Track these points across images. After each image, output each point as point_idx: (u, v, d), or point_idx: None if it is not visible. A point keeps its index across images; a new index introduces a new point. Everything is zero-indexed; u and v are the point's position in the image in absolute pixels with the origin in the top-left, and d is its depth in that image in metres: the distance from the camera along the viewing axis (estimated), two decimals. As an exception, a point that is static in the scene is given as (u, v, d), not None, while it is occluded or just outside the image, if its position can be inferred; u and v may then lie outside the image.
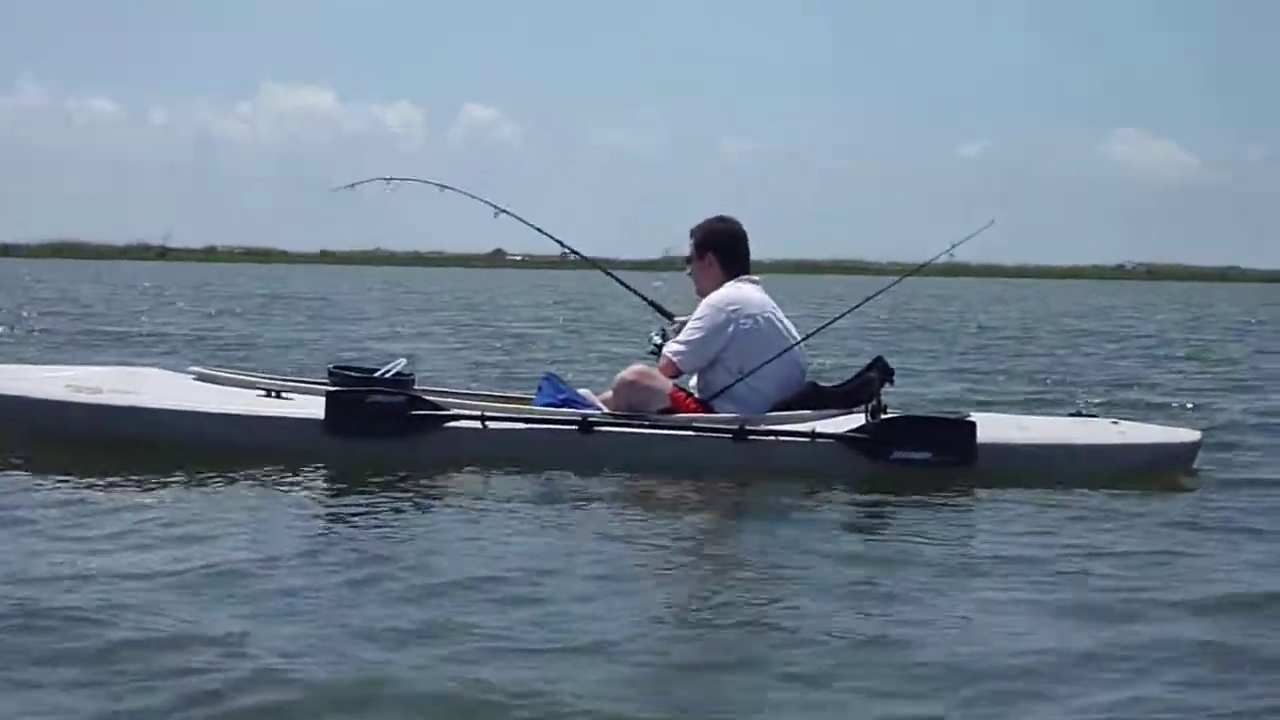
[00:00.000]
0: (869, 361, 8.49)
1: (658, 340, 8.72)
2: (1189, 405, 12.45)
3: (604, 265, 10.41)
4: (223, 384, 8.97)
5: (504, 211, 9.41)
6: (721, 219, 8.66)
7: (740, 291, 8.46)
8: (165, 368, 10.28)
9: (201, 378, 9.12)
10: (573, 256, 9.62)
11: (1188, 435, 8.81)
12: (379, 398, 8.29)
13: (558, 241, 9.51)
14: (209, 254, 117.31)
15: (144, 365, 10.68)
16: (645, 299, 9.19)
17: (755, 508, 7.56)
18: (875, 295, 9.76)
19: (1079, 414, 9.69)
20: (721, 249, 8.55)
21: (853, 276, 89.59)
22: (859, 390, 8.32)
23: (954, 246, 8.83)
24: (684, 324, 8.61)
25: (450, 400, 8.50)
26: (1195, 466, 8.54)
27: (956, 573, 6.03)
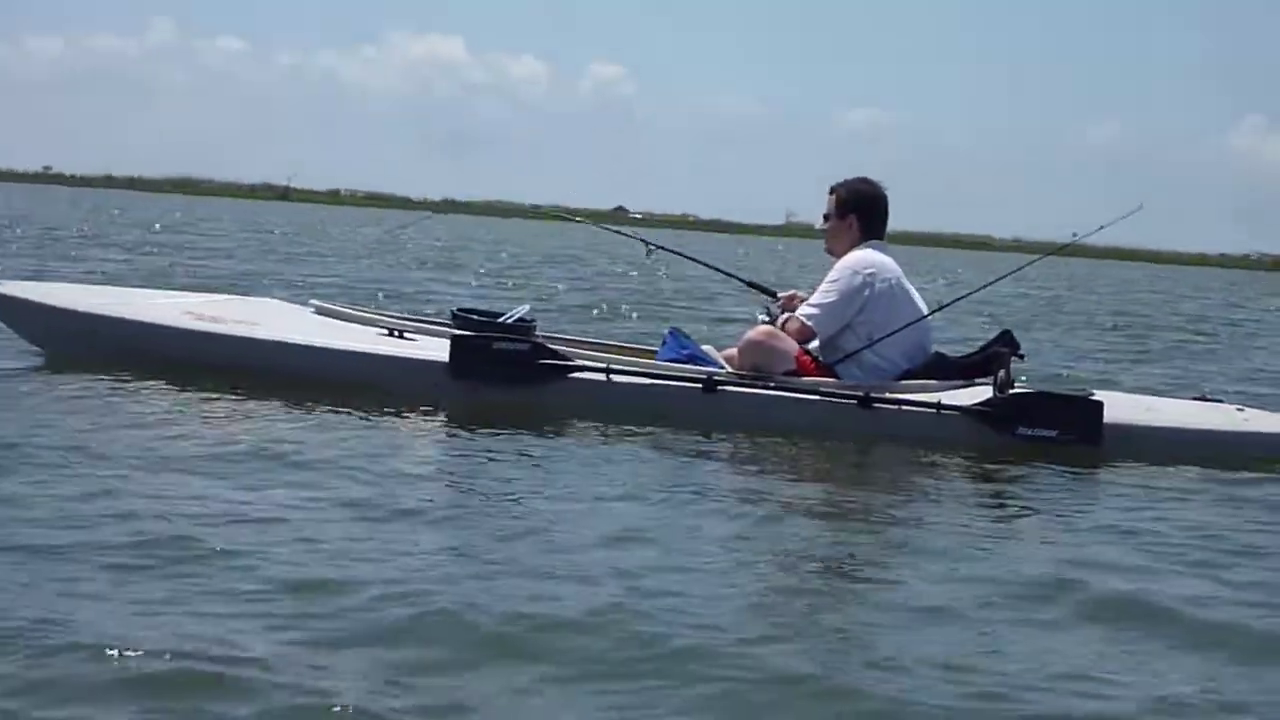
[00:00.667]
0: (995, 335, 8.43)
1: (764, 319, 8.60)
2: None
3: (697, 259, 10.22)
4: (343, 319, 8.97)
5: (660, 248, 9.40)
6: (866, 180, 8.53)
7: (876, 256, 8.36)
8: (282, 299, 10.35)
9: (321, 312, 9.12)
10: (656, 249, 9.48)
11: None
12: (504, 344, 8.27)
13: (710, 266, 9.57)
14: (333, 197, 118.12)
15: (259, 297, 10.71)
16: (744, 280, 9.20)
17: (877, 477, 7.51)
18: (1019, 270, 9.57)
19: (1203, 398, 9.48)
20: (864, 211, 8.45)
21: (978, 252, 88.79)
22: (985, 363, 8.26)
23: (1102, 228, 8.76)
24: (788, 299, 8.56)
25: (575, 350, 8.47)
26: None
27: (1078, 557, 5.89)
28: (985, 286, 9.55)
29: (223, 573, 4.70)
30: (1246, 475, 7.80)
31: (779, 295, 8.74)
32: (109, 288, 10.79)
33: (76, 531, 5.04)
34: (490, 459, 7.00)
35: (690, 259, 9.88)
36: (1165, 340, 19.34)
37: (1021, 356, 8.36)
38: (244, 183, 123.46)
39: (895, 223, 8.66)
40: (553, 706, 3.90)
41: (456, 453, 7.23)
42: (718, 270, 9.61)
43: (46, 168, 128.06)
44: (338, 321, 8.92)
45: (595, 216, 10.08)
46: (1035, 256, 10.10)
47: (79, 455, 6.27)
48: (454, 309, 9.01)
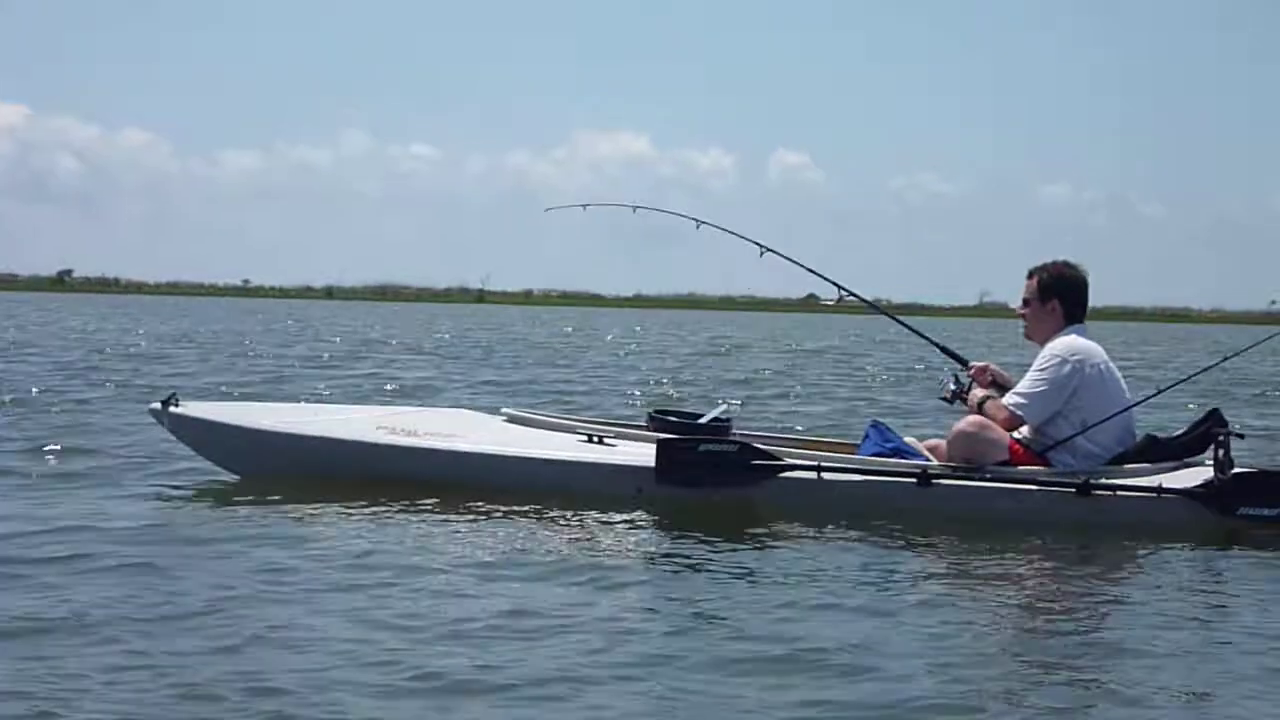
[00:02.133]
0: (1205, 414, 8.24)
1: (953, 386, 8.48)
2: None
3: (887, 310, 10.20)
4: (537, 427, 8.90)
5: (769, 250, 9.25)
6: (1069, 265, 8.35)
7: (1082, 341, 8.19)
8: (470, 409, 10.30)
9: (514, 420, 9.05)
10: (849, 299, 9.39)
11: None
12: (711, 445, 8.17)
13: (833, 283, 9.28)
14: (526, 297, 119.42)
15: (447, 407, 10.76)
16: (936, 344, 8.97)
17: (1101, 567, 7.29)
18: (1240, 353, 9.45)
19: None
20: (1067, 296, 8.27)
21: (1177, 325, 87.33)
22: (1198, 443, 8.09)
23: None
24: (979, 370, 8.42)
25: (777, 448, 8.35)
26: None
27: None
28: (1213, 367, 9.43)
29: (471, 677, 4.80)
30: None
31: (971, 365, 8.60)
32: (293, 405, 10.83)
33: (340, 657, 5.10)
34: (704, 565, 6.91)
35: (884, 313, 9.81)
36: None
37: (1241, 435, 8.14)
38: (439, 287, 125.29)
39: (1093, 298, 8.49)
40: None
41: (669, 561, 7.13)
42: (912, 330, 9.44)
43: (245, 281, 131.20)
44: (532, 429, 8.84)
45: (785, 306, 9.95)
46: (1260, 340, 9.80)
47: (321, 576, 6.35)
48: (651, 411, 8.95)
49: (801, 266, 9.22)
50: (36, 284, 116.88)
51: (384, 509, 7.98)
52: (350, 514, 7.87)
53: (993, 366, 8.51)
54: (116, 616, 5.50)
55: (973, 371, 8.47)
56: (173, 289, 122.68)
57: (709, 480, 8.06)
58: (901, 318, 9.66)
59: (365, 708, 4.56)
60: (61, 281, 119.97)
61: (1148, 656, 5.43)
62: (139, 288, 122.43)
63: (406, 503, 8.07)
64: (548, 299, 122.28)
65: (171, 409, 8.87)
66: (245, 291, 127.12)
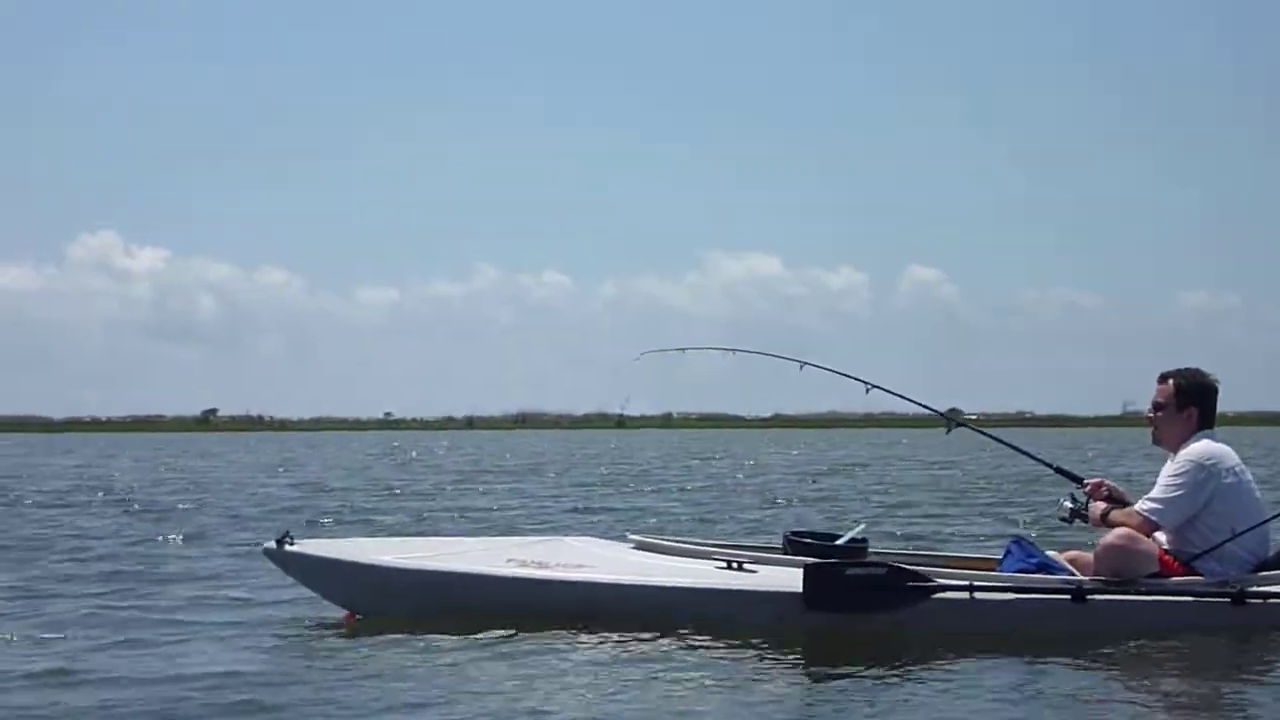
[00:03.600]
0: None
1: (1069, 505, 8.40)
2: None
3: (991, 428, 9.94)
4: (667, 553, 8.71)
5: (874, 387, 9.25)
6: (1203, 372, 8.32)
7: (1217, 447, 8.14)
8: (595, 535, 10.17)
9: (641, 546, 8.87)
10: (960, 423, 9.44)
11: None
12: (859, 569, 8.04)
13: (936, 411, 9.39)
14: (666, 420, 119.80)
15: (570, 536, 10.14)
16: (1049, 465, 8.91)
17: (1260, 677, 7.15)
18: None
19: None
20: (1203, 402, 8.24)
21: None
22: None
23: None
24: (1095, 486, 8.38)
25: (923, 568, 8.21)
26: None
27: None
28: None
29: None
30: None
31: (1086, 481, 8.52)
32: (410, 539, 10.64)
33: None
34: (858, 694, 6.81)
35: (996, 439, 9.57)
36: None
37: None
38: (577, 413, 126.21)
39: (1235, 404, 8.41)
40: None
41: (821, 692, 7.01)
42: (1023, 453, 9.34)
43: (387, 414, 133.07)
44: (663, 556, 8.66)
45: (927, 423, 9.90)
46: None
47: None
48: (787, 533, 8.80)
49: (903, 398, 9.32)
50: (182, 424, 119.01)
51: (518, 645, 7.87)
52: (486, 652, 7.74)
53: (1108, 482, 8.47)
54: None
55: (1088, 488, 8.42)
56: (316, 424, 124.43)
57: (858, 604, 7.90)
58: (1013, 438, 9.54)
59: None
60: (207, 421, 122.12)
61: None
62: (283, 424, 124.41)
63: (542, 637, 7.94)
64: (687, 421, 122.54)
65: (287, 548, 8.73)
66: (387, 424, 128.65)
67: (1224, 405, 8.36)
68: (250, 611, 9.25)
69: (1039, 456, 9.06)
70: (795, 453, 43.98)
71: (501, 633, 8.01)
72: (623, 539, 9.34)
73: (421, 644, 7.86)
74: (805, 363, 9.46)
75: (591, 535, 10.17)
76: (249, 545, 12.86)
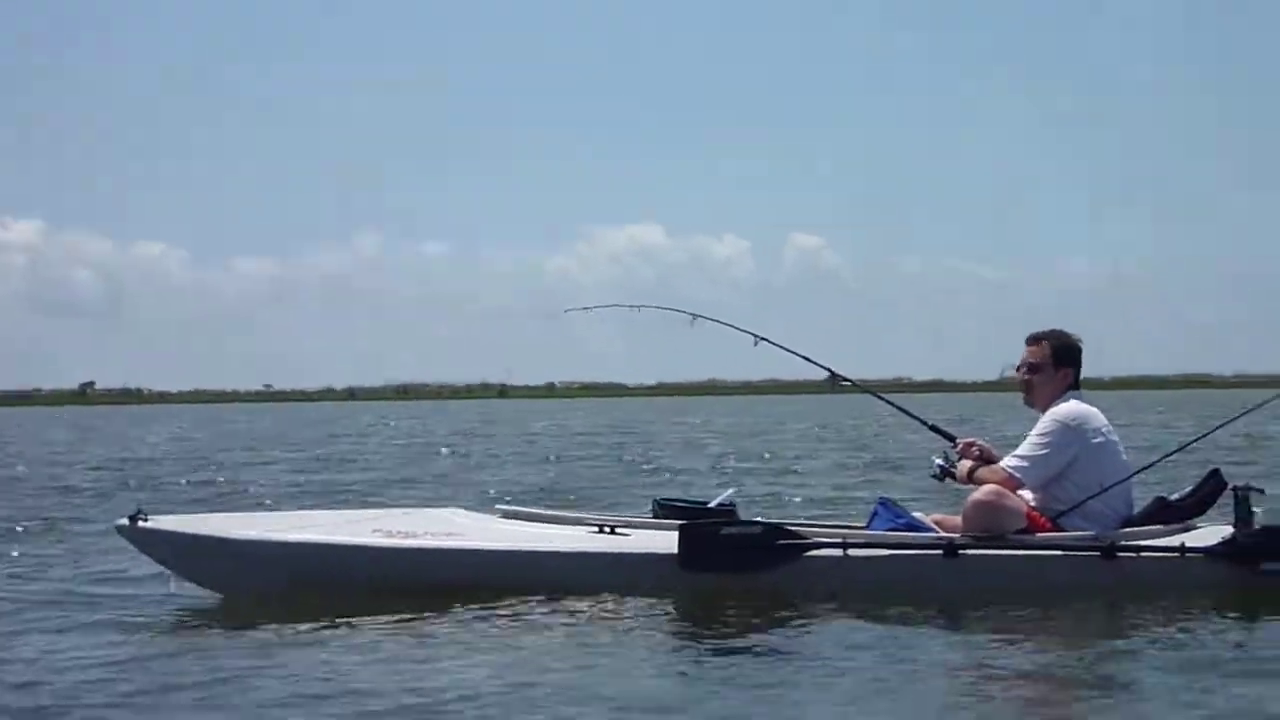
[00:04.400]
0: (1207, 475, 8.34)
1: (940, 463, 8.49)
2: None
3: (874, 389, 9.94)
4: (536, 521, 8.68)
5: (762, 339, 9.20)
6: (1069, 334, 8.47)
7: (1085, 407, 8.28)
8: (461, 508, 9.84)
9: (509, 515, 8.80)
10: (843, 382, 9.37)
11: None
12: (735, 529, 8.06)
13: (822, 366, 9.33)
14: (549, 391, 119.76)
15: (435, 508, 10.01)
16: (925, 423, 8.98)
17: (1130, 629, 7.33)
18: (1259, 406, 9.34)
19: None
20: (1074, 363, 8.38)
21: (1198, 391, 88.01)
22: (1200, 504, 8.22)
23: None
24: (966, 445, 8.45)
25: (800, 528, 8.23)
26: None
27: None
28: (1214, 430, 9.43)
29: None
30: None
31: (958, 440, 8.61)
32: (273, 514, 10.48)
33: None
34: (734, 651, 6.87)
35: (875, 395, 9.65)
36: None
37: (1261, 491, 8.13)
38: (460, 384, 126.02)
39: (1109, 368, 8.57)
40: None
41: (698, 650, 7.04)
42: (898, 408, 9.40)
43: (267, 385, 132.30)
44: (533, 525, 8.62)
45: (808, 388, 9.90)
46: (1272, 393, 9.80)
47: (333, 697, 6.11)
48: (656, 500, 8.84)
49: (793, 353, 9.27)
50: (59, 398, 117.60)
51: (390, 617, 7.69)
52: (356, 626, 7.58)
53: (979, 441, 8.55)
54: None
55: (960, 447, 8.50)
56: (195, 396, 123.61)
57: (734, 564, 7.93)
58: (892, 398, 9.52)
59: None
60: (84, 394, 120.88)
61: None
62: (161, 396, 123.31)
63: (415, 610, 7.78)
64: (570, 391, 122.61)
65: (141, 524, 8.38)
66: (266, 396, 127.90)
67: (1104, 370, 8.49)
68: (100, 592, 8.95)
69: (914, 414, 9.15)
70: (678, 421, 44.19)
71: (372, 605, 7.84)
72: (490, 510, 9.25)
73: (288, 621, 7.66)
74: (697, 315, 9.43)
75: (456, 506, 9.88)
76: (104, 522, 12.07)
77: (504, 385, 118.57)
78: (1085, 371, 8.50)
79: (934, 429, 8.88)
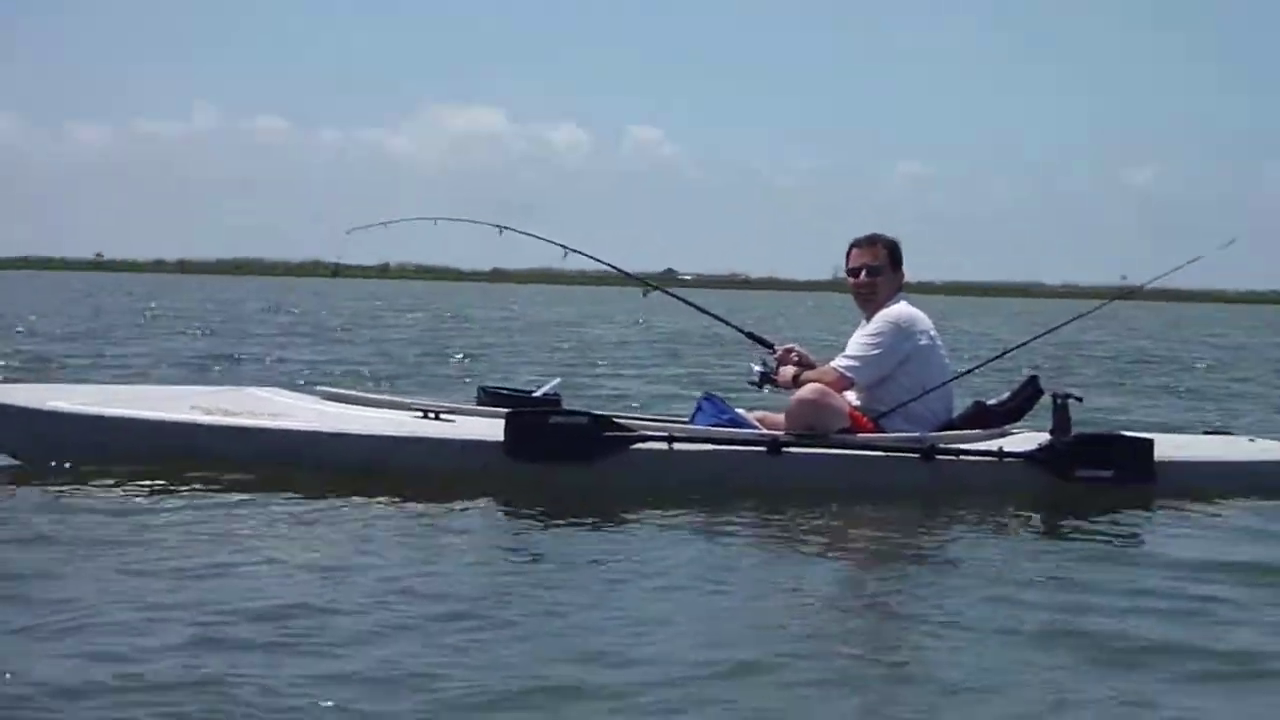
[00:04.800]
0: (1025, 381, 8.57)
1: (759, 369, 8.54)
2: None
3: (692, 301, 9.78)
4: (357, 404, 8.57)
5: (572, 251, 9.26)
6: (887, 238, 8.58)
7: (915, 310, 8.38)
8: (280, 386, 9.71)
9: (330, 397, 8.68)
10: (655, 290, 9.46)
11: None
12: (562, 418, 8.05)
13: (636, 278, 9.53)
14: (382, 272, 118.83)
15: (253, 386, 9.70)
16: (741, 330, 9.07)
17: (945, 530, 7.46)
18: (1084, 315, 9.76)
19: (1215, 432, 9.97)
20: (898, 264, 8.50)
21: (1029, 299, 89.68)
22: (1018, 409, 8.44)
23: (1192, 261, 9.15)
24: (785, 352, 8.51)
25: (635, 423, 8.25)
26: None
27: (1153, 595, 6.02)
28: (1035, 339, 9.75)
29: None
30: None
31: (776, 347, 8.66)
32: (85, 386, 10.11)
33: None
34: (549, 542, 6.84)
35: (689, 304, 9.59)
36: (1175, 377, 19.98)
37: (1080, 399, 8.38)
38: (294, 261, 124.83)
39: (943, 273, 8.76)
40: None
41: (512, 539, 6.97)
42: (715, 317, 9.44)
43: (98, 255, 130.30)
44: (353, 407, 8.49)
45: (644, 280, 9.89)
46: (1100, 302, 10.11)
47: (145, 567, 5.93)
48: (481, 387, 8.80)
49: (597, 260, 9.42)
50: None
51: (210, 499, 7.44)
52: (175, 507, 7.30)
53: (797, 347, 8.61)
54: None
55: (779, 353, 8.54)
56: (24, 263, 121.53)
57: (560, 454, 7.92)
58: (717, 305, 9.62)
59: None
60: None
61: (985, 624, 5.53)
62: None
63: (235, 489, 7.59)
64: (404, 273, 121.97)
65: None
66: (97, 265, 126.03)
67: (943, 274, 8.68)
68: None
69: (731, 322, 9.20)
70: (502, 310, 43.96)
71: (193, 485, 7.66)
72: (309, 390, 9.13)
73: (106, 497, 7.44)
74: (504, 227, 9.36)
75: (275, 386, 9.67)
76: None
77: (337, 265, 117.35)
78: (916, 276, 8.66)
79: (751, 336, 8.92)
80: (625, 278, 9.87)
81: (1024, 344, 9.47)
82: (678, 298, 9.58)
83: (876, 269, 8.42)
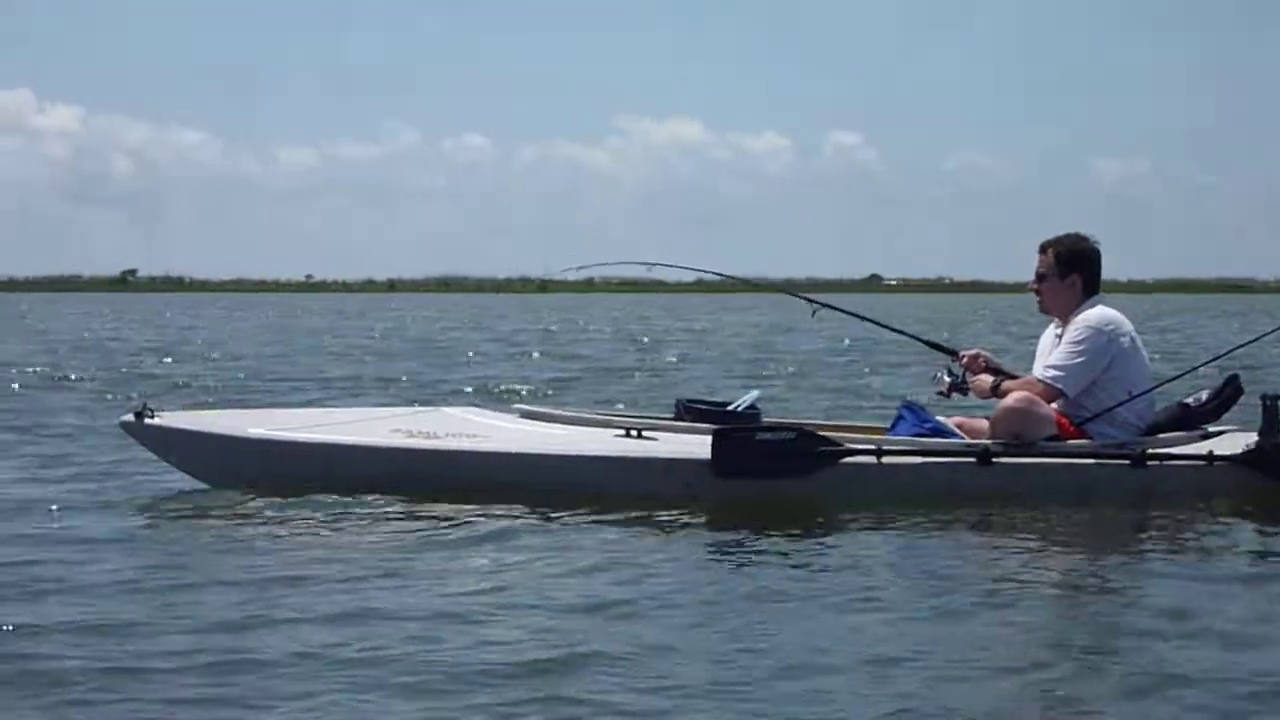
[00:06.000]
0: (1224, 381, 8.52)
1: (946, 379, 8.56)
2: None
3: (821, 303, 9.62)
4: (557, 423, 8.59)
5: (826, 306, 9.20)
6: (1082, 238, 8.45)
7: (1112, 312, 8.34)
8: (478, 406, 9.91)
9: (529, 415, 8.72)
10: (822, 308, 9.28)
11: None
12: (769, 434, 8.08)
13: (805, 298, 9.51)
14: (587, 285, 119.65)
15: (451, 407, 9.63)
16: (921, 340, 9.14)
17: (1162, 538, 7.54)
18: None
19: None
20: (1085, 268, 8.38)
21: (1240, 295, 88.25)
22: (1217, 410, 8.41)
23: None
24: (971, 359, 8.54)
25: (832, 434, 8.26)
26: None
27: None
28: (1253, 341, 9.96)
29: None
30: None
31: (961, 354, 8.69)
32: (285, 411, 10.49)
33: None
34: (770, 561, 6.88)
35: (861, 318, 9.64)
36: None
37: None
38: (500, 277, 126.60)
39: (1154, 270, 8.80)
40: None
41: (727, 557, 7.07)
42: (892, 329, 9.47)
43: (309, 276, 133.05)
44: (555, 425, 8.53)
45: (848, 287, 10.08)
46: None
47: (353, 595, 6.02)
48: (681, 401, 8.80)
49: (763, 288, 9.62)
50: (100, 284, 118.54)
51: (414, 522, 7.65)
52: (380, 531, 7.53)
53: (984, 353, 8.65)
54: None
55: (965, 360, 8.58)
56: (237, 285, 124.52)
57: (769, 471, 7.91)
58: (885, 323, 9.69)
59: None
60: (125, 281, 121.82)
61: (1220, 629, 5.60)
62: (203, 285, 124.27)
63: (440, 512, 7.76)
64: (608, 286, 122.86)
65: (147, 421, 8.34)
66: (308, 287, 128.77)
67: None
68: (108, 486, 8.91)
69: (909, 332, 9.27)
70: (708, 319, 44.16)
71: (396, 509, 7.84)
72: (506, 409, 9.20)
73: (305, 523, 7.65)
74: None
75: (474, 407, 9.72)
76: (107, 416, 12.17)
77: (544, 279, 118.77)
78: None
79: (931, 344, 8.99)
80: (793, 295, 10.03)
81: (1239, 347, 9.54)
82: (843, 310, 9.55)
83: (1042, 276, 8.41)
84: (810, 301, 9.40)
